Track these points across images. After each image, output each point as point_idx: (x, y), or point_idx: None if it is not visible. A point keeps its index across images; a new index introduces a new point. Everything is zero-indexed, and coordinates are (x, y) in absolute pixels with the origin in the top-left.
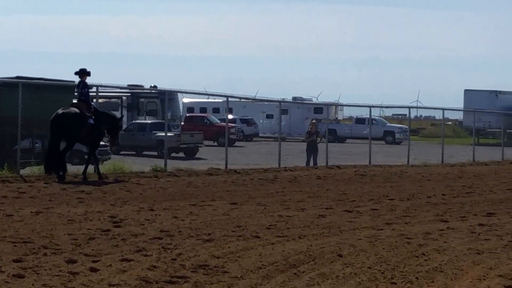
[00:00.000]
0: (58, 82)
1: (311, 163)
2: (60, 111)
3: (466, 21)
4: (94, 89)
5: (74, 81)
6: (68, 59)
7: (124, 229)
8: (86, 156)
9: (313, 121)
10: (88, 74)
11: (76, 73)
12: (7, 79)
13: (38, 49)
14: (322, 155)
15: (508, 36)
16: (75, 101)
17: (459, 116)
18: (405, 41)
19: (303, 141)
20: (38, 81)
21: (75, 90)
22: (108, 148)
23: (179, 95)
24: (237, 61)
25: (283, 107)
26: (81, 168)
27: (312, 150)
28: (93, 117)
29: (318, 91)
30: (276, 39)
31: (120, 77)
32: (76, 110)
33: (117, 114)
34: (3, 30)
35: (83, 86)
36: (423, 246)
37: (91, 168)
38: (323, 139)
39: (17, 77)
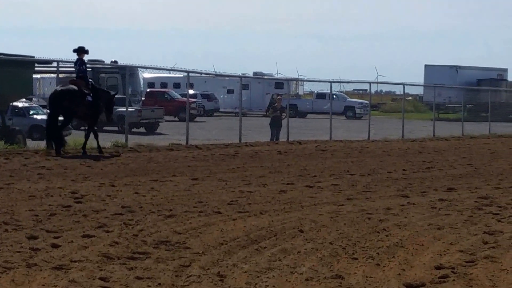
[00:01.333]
0: (17, 58)
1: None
2: (58, 88)
3: None
4: (54, 64)
5: (34, 56)
6: (28, 34)
7: (85, 205)
8: (85, 132)
9: (279, 96)
10: (86, 52)
11: (74, 51)
12: None
13: None
14: (283, 130)
15: (468, 10)
16: (34, 75)
17: (420, 91)
18: (365, 15)
19: (267, 115)
20: None
21: (74, 67)
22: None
23: (140, 70)
24: (198, 35)
25: (244, 82)
26: (41, 143)
27: (276, 126)
28: (91, 94)
29: (276, 65)
30: (237, 13)
31: None
32: (74, 87)
33: None
34: None
35: (81, 63)
36: (384, 221)
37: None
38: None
39: None
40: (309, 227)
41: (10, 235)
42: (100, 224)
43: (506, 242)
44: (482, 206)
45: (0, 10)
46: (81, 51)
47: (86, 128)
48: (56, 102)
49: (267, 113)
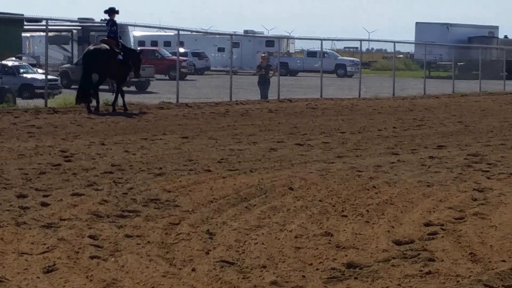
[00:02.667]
0: (6, 16)
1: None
2: (91, 47)
3: None
4: (43, 22)
5: (22, 14)
6: None
7: (75, 164)
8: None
9: (263, 54)
10: (117, 12)
11: (105, 12)
12: None
13: None
14: (274, 88)
15: None
16: (23, 34)
17: (411, 49)
18: None
19: (254, 74)
20: None
21: (105, 27)
22: (59, 82)
23: (130, 28)
24: None
25: (235, 41)
26: (31, 102)
27: (263, 84)
28: (121, 53)
29: (270, 25)
30: None
31: (71, 10)
32: (106, 46)
33: (68, 47)
34: None
35: (112, 24)
36: (374, 179)
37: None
38: (275, 73)
39: None
40: (299, 184)
41: None
42: (90, 183)
43: (495, 199)
44: (472, 163)
45: None
46: (112, 11)
47: (115, 85)
48: (89, 60)
49: (255, 72)
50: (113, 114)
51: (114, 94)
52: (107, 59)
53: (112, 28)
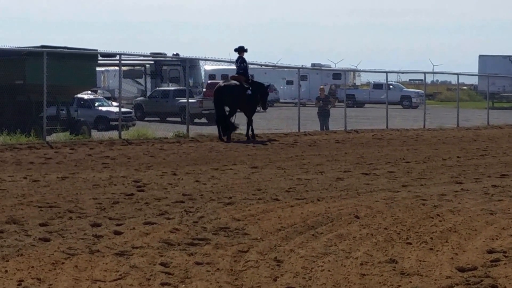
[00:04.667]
0: (81, 51)
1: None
2: (222, 84)
3: None
4: (117, 57)
5: (97, 50)
6: (91, 28)
7: (148, 193)
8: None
9: (321, 86)
10: (246, 50)
11: (235, 50)
12: (32, 48)
13: (62, 18)
14: (340, 119)
15: None
16: (99, 68)
17: (474, 80)
18: (419, 6)
19: (315, 106)
20: (62, 50)
21: (235, 64)
22: (133, 115)
23: (201, 62)
24: (257, 28)
25: (303, 74)
26: (106, 133)
27: (322, 115)
28: (250, 88)
29: (338, 58)
30: (296, 6)
31: (144, 45)
32: (236, 82)
33: (141, 81)
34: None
35: (241, 61)
36: (438, 207)
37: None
38: (334, 104)
39: (42, 46)
40: (365, 213)
41: (74, 222)
42: (162, 212)
43: None
44: None
45: (65, 5)
46: (241, 50)
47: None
48: (219, 95)
49: (315, 104)
50: (247, 142)
51: (246, 125)
52: (236, 94)
53: (242, 65)
